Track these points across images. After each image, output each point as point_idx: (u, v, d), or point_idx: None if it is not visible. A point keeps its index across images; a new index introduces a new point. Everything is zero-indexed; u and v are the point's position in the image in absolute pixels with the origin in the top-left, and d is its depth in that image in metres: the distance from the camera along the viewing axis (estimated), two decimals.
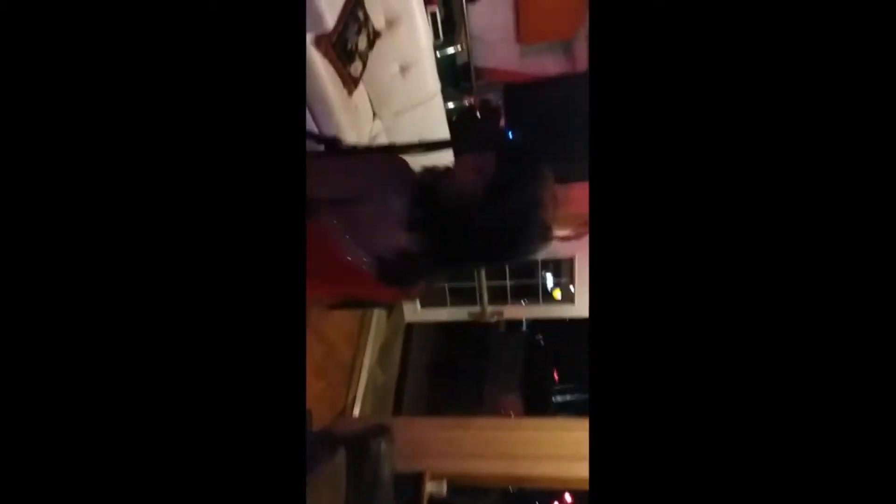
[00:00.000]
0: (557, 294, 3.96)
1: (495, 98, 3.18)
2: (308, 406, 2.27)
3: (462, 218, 0.80)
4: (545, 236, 0.83)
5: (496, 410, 4.01)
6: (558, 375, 5.36)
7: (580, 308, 3.62)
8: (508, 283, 3.65)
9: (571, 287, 3.67)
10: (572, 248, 3.28)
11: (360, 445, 2.18)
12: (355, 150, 1.11)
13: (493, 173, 0.80)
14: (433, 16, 2.70)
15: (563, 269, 3.76)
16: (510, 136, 2.20)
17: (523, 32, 3.08)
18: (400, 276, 0.86)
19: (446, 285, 3.57)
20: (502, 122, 2.77)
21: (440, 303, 3.68)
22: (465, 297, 3.64)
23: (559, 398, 5.02)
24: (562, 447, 2.41)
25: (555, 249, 3.33)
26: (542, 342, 5.02)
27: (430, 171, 0.88)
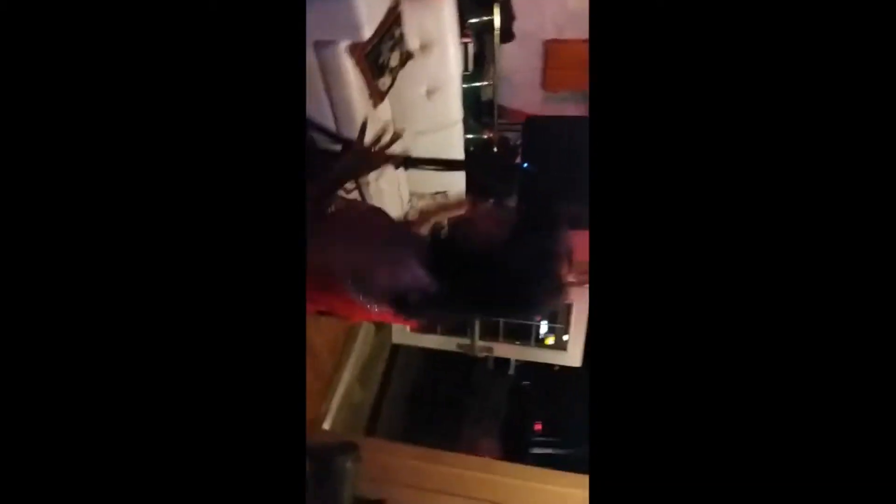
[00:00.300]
0: (550, 341, 3.90)
1: (514, 138, 3.25)
2: None
3: (479, 268, 0.79)
4: (559, 290, 0.82)
5: (471, 450, 3.88)
6: (541, 426, 5.20)
7: (572, 357, 3.56)
8: (501, 320, 3.61)
9: (565, 336, 3.61)
10: (570, 294, 3.25)
11: (326, 460, 2.11)
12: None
13: (513, 225, 0.80)
14: (465, 47, 2.79)
15: (559, 316, 3.72)
16: (525, 168, 2.23)
17: (549, 79, 3.18)
18: (409, 310, 0.86)
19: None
20: (518, 160, 2.81)
21: (430, 329, 3.64)
22: (455, 326, 3.59)
23: (538, 450, 4.86)
24: (532, 498, 2.30)
25: None
26: (528, 388, 4.90)
27: (449, 221, 0.91)
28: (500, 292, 0.81)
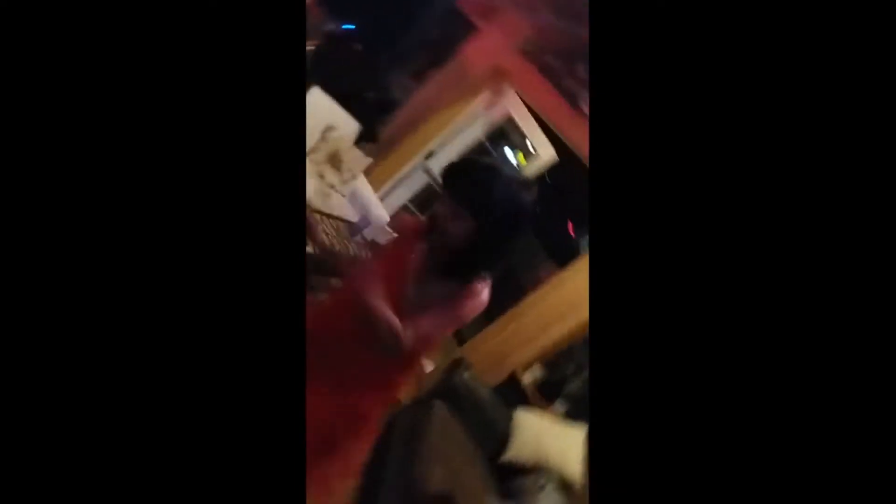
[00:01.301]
0: (522, 159, 3.96)
1: None
2: None
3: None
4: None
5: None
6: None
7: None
8: None
9: (529, 145, 3.65)
10: (501, 109, 3.22)
11: (448, 388, 2.26)
12: None
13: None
14: None
15: (510, 133, 3.72)
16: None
17: None
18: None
19: None
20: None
21: None
22: None
23: None
24: None
25: (492, 116, 3.28)
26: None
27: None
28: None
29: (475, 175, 0.98)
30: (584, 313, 2.49)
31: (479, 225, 0.95)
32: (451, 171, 1.01)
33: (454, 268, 1.00)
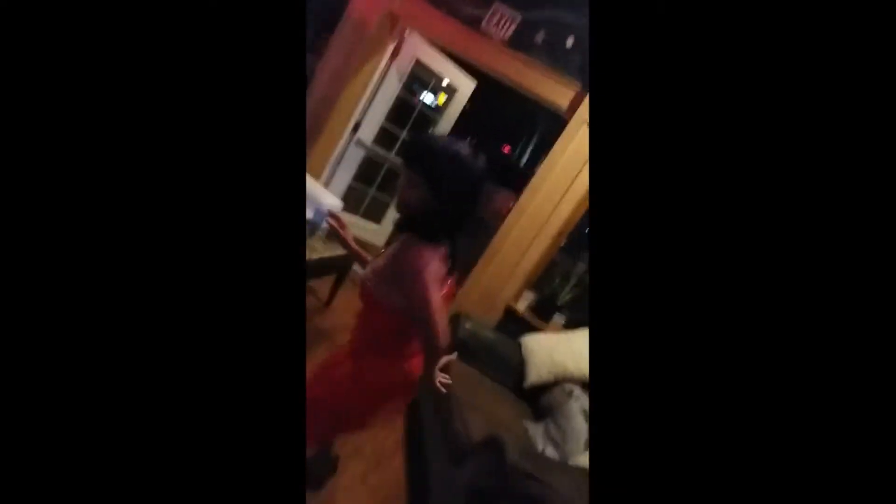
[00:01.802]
0: (442, 98, 3.89)
1: None
2: None
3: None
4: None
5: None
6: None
7: None
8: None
9: (444, 82, 3.56)
10: (408, 54, 3.10)
11: (456, 344, 2.34)
12: None
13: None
14: None
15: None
16: None
17: None
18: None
19: None
20: None
21: None
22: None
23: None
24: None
25: (401, 65, 3.16)
26: None
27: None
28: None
29: (428, 149, 1.02)
30: (552, 228, 2.59)
31: (436, 195, 1.01)
32: (408, 148, 1.06)
33: (424, 234, 1.06)
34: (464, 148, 1.02)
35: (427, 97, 3.87)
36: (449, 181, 1.00)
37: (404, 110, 3.51)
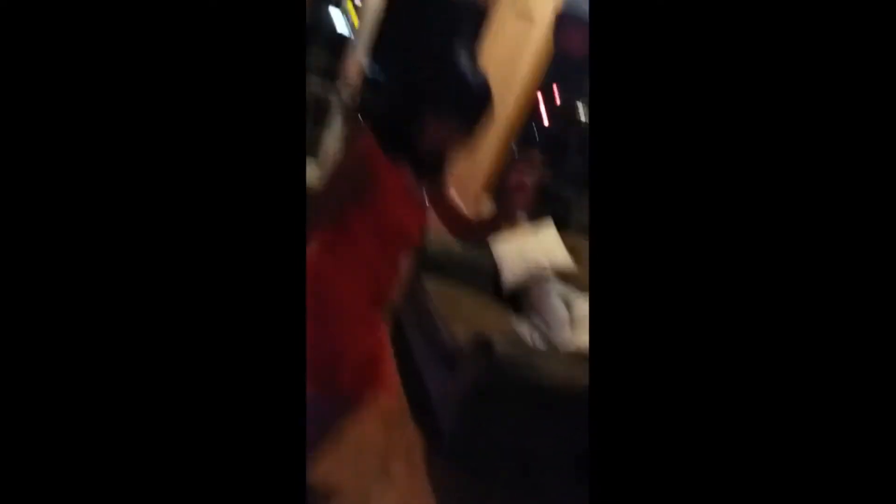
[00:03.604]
0: (355, 17, 3.58)
1: None
2: None
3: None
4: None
5: None
6: None
7: None
8: None
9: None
10: None
11: (427, 262, 2.31)
12: None
13: None
14: None
15: None
16: None
17: None
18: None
19: None
20: None
21: None
22: None
23: None
24: None
25: None
26: None
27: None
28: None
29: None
30: (499, 127, 2.49)
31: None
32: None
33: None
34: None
35: (340, 19, 3.54)
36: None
37: (318, 36, 3.21)
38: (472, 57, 1.04)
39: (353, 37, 3.44)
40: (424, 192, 1.11)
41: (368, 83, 3.15)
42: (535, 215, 2.67)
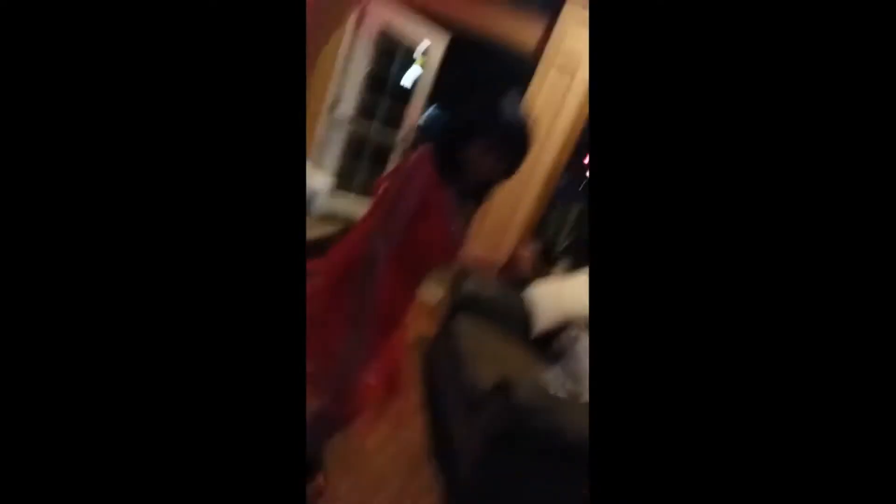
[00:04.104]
0: (421, 61, 3.79)
1: None
2: None
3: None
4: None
5: None
6: None
7: None
8: None
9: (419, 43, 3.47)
10: (374, 20, 3.02)
11: (461, 301, 2.37)
12: None
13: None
14: None
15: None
16: None
17: None
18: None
19: None
20: None
21: None
22: None
23: None
24: None
25: (369, 32, 3.09)
26: None
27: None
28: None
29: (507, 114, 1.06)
30: (540, 174, 2.55)
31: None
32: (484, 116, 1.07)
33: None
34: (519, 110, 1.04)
35: (407, 73, 3.73)
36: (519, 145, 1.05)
37: (379, 79, 3.45)
38: (518, 101, 1.09)
39: (415, 86, 3.66)
40: (462, 219, 1.16)
41: (427, 125, 3.31)
42: (576, 263, 2.69)
